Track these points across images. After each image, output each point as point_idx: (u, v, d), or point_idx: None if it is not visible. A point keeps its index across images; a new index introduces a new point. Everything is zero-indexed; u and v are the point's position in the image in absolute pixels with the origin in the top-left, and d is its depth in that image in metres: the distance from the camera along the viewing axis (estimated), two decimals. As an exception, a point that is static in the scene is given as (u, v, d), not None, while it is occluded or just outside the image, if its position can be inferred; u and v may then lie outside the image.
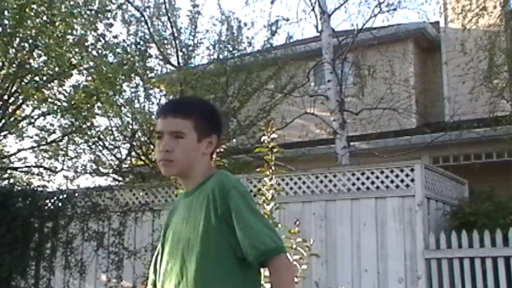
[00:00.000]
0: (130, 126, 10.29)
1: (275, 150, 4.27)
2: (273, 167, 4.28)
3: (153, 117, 10.29)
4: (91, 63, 8.98)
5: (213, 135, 1.94)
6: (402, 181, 6.67)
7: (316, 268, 6.82)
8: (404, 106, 10.28)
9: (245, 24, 10.51)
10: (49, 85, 9.33)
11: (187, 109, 1.92)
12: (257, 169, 4.35)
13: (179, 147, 1.87)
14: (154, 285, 2.04)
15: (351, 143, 9.74)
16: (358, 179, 6.94)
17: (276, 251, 1.76)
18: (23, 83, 8.88)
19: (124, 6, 10.06)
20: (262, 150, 4.28)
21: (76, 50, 8.80)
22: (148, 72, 9.99)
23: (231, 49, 10.41)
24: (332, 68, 9.74)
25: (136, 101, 10.20)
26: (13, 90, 8.87)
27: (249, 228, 1.78)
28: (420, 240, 6.41)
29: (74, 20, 8.73)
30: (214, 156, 2.10)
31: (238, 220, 1.78)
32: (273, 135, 4.25)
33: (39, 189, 8.48)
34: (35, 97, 9.07)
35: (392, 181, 6.72)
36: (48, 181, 10.80)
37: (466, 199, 7.71)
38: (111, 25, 9.46)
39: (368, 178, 6.87)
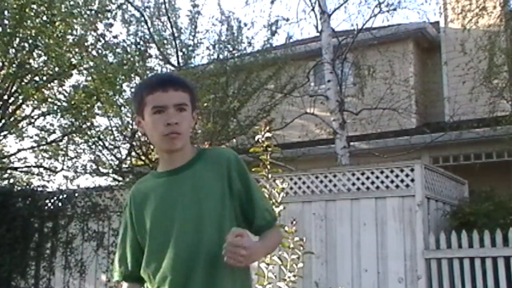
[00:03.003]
0: (130, 126, 10.29)
1: (269, 149, 4.25)
2: (268, 167, 4.26)
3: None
4: (91, 63, 8.98)
5: (196, 110, 1.98)
6: (402, 181, 6.67)
7: (316, 268, 6.82)
8: (404, 106, 10.28)
9: (245, 24, 10.51)
10: (49, 85, 9.34)
11: (184, 83, 1.94)
12: (253, 169, 4.34)
13: (184, 119, 1.87)
14: (130, 277, 1.95)
15: (351, 143, 9.74)
16: (358, 179, 6.93)
17: (276, 218, 2.04)
18: (23, 83, 8.88)
19: (124, 6, 10.08)
20: (257, 150, 4.27)
21: (76, 50, 8.80)
22: (148, 72, 9.99)
23: (231, 49, 10.41)
24: (332, 68, 9.74)
25: (136, 101, 10.18)
26: (13, 90, 8.87)
27: (263, 198, 2.00)
28: (420, 240, 6.40)
29: (74, 20, 8.73)
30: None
31: (254, 192, 1.94)
32: (267, 134, 4.24)
33: (39, 189, 8.48)
34: (35, 97, 9.07)
35: (392, 181, 6.72)
36: (48, 181, 10.83)
37: (466, 199, 7.71)
38: (111, 25, 9.47)
39: (368, 178, 6.87)
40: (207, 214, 1.83)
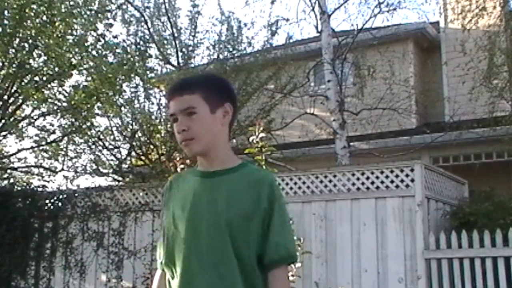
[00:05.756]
0: (130, 126, 10.30)
1: (264, 149, 4.26)
2: (264, 167, 4.26)
3: (153, 117, 10.33)
4: (91, 63, 8.97)
5: (226, 103, 1.86)
6: (402, 181, 6.67)
7: (316, 268, 6.83)
8: (404, 106, 10.29)
9: (245, 24, 10.54)
10: (49, 85, 9.32)
11: (192, 84, 1.86)
12: None
13: (194, 122, 1.80)
14: (167, 267, 1.88)
15: (351, 143, 9.74)
16: (358, 179, 6.94)
17: (294, 259, 1.84)
18: (23, 83, 8.86)
19: (124, 6, 10.07)
20: (252, 150, 4.27)
21: (76, 50, 8.78)
22: (148, 72, 9.99)
23: (231, 49, 10.42)
24: (332, 68, 9.74)
25: (136, 101, 10.21)
26: (13, 90, 8.86)
27: (283, 231, 1.82)
28: (420, 240, 6.41)
29: (74, 20, 8.71)
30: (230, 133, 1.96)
31: (275, 223, 1.80)
32: (262, 135, 4.25)
33: (39, 189, 8.48)
34: (35, 97, 9.05)
35: (392, 181, 6.72)
36: (48, 181, 10.81)
37: (466, 199, 7.71)
38: (111, 25, 9.45)
39: (368, 178, 6.87)
40: (227, 226, 1.77)
